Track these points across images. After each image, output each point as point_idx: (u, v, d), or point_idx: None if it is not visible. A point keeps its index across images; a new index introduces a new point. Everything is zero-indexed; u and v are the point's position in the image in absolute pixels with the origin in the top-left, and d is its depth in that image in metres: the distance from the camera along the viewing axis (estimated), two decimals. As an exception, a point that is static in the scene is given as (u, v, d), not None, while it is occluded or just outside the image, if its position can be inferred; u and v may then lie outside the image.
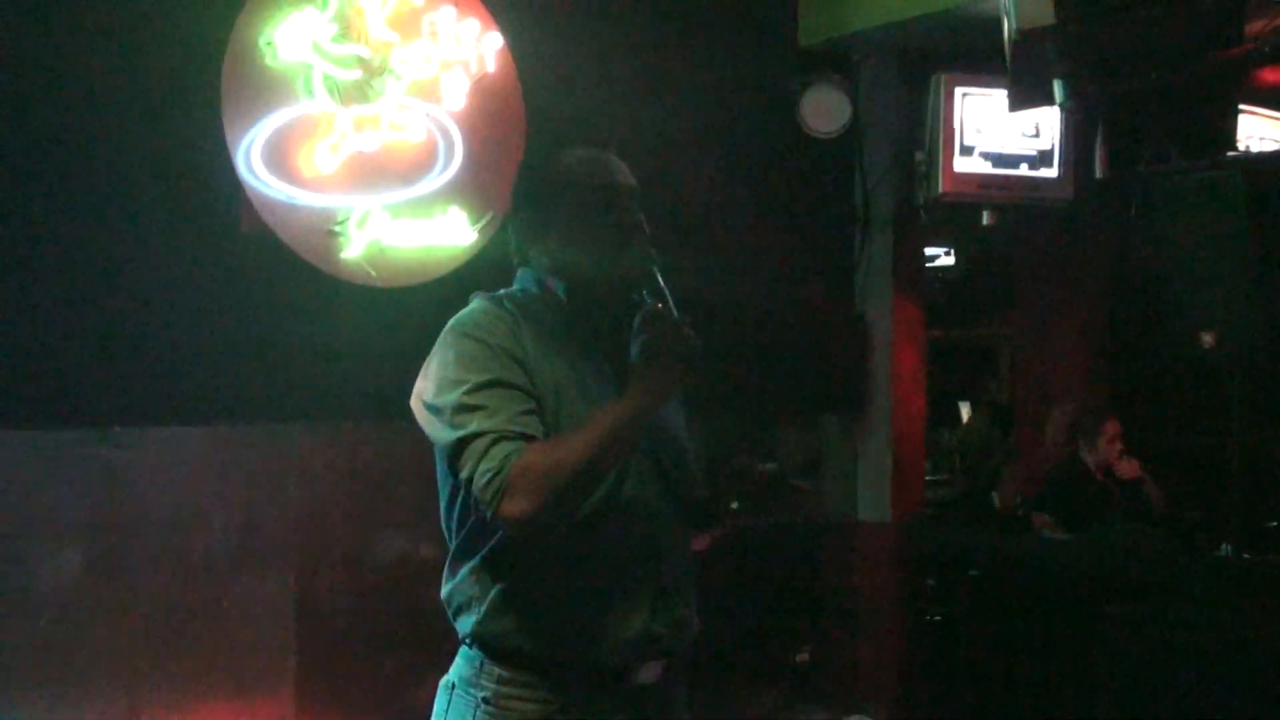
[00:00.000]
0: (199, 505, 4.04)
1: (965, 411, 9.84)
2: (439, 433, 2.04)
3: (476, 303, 2.23)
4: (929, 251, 8.82)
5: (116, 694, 3.86)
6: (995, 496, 6.60)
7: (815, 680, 5.65)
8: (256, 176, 3.97)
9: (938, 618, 5.77)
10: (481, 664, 2.09)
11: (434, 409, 2.06)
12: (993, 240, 8.47)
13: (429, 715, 2.22)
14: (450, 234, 4.33)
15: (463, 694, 2.11)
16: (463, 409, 2.00)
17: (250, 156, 3.95)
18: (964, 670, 5.63)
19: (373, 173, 4.17)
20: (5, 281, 3.67)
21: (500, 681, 2.06)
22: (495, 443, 1.95)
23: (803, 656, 5.58)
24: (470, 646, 2.13)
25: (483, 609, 2.06)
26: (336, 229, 4.10)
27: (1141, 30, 3.00)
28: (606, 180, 2.19)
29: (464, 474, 1.98)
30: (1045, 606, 5.25)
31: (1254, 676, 3.76)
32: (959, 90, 5.30)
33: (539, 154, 2.26)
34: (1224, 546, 4.79)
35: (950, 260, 10.21)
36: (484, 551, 2.08)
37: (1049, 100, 3.05)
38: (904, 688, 5.70)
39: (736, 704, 5.11)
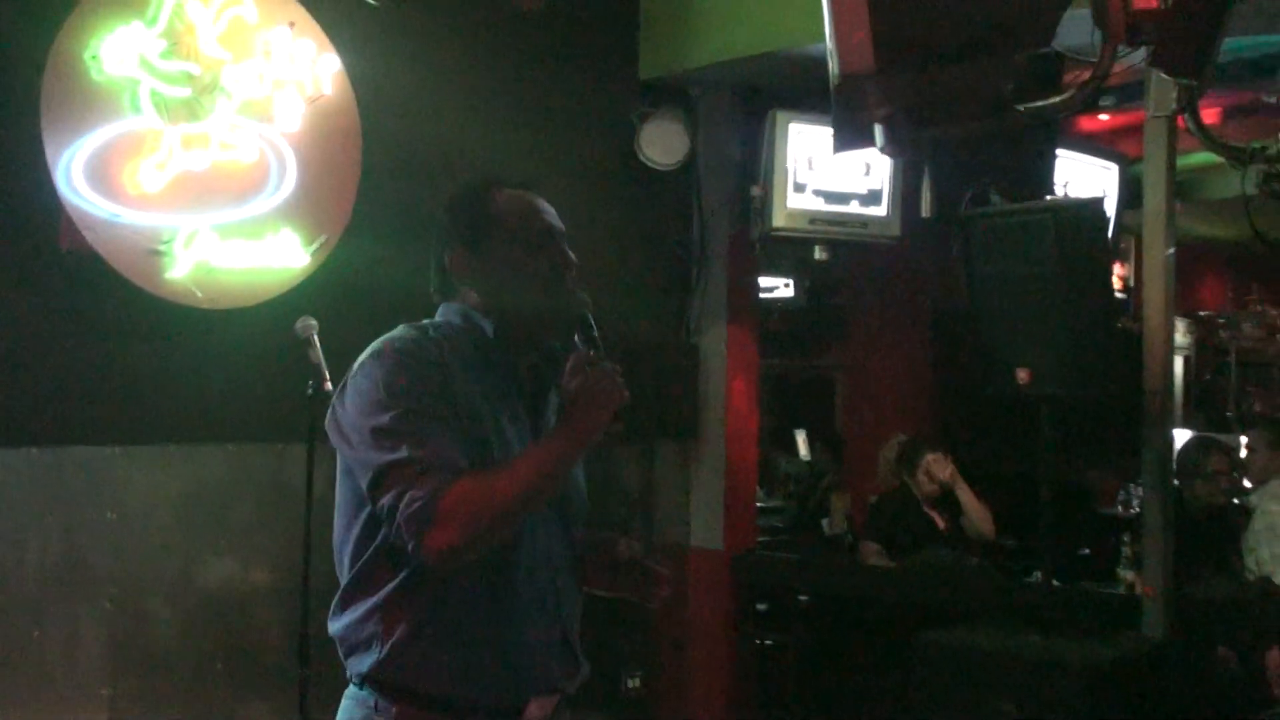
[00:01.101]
0: (9, 532, 3.91)
1: (801, 440, 9.99)
2: (361, 455, 2.00)
3: (402, 329, 2.17)
4: (769, 282, 9.00)
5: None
6: (825, 524, 6.72)
7: (646, 706, 5.68)
8: (78, 193, 3.87)
9: (768, 642, 5.86)
10: (375, 703, 2.04)
11: (357, 430, 2.01)
12: (830, 272, 8.67)
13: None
14: (282, 256, 4.28)
15: None
16: (390, 434, 1.97)
17: (71, 173, 3.86)
18: (793, 693, 5.74)
19: (201, 192, 4.10)
20: None
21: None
22: (424, 471, 1.93)
23: (634, 682, 5.61)
24: (361, 687, 2.08)
25: (385, 648, 2.02)
26: (162, 249, 4.02)
27: (959, 81, 3.11)
28: (541, 222, 2.21)
29: (386, 500, 1.94)
30: (870, 631, 5.39)
31: (1061, 698, 3.90)
32: (793, 127, 5.43)
33: (471, 189, 2.27)
34: (1035, 574, 4.96)
35: (790, 292, 10.40)
36: (387, 589, 2.03)
37: (870, 143, 3.13)
38: (734, 712, 5.78)
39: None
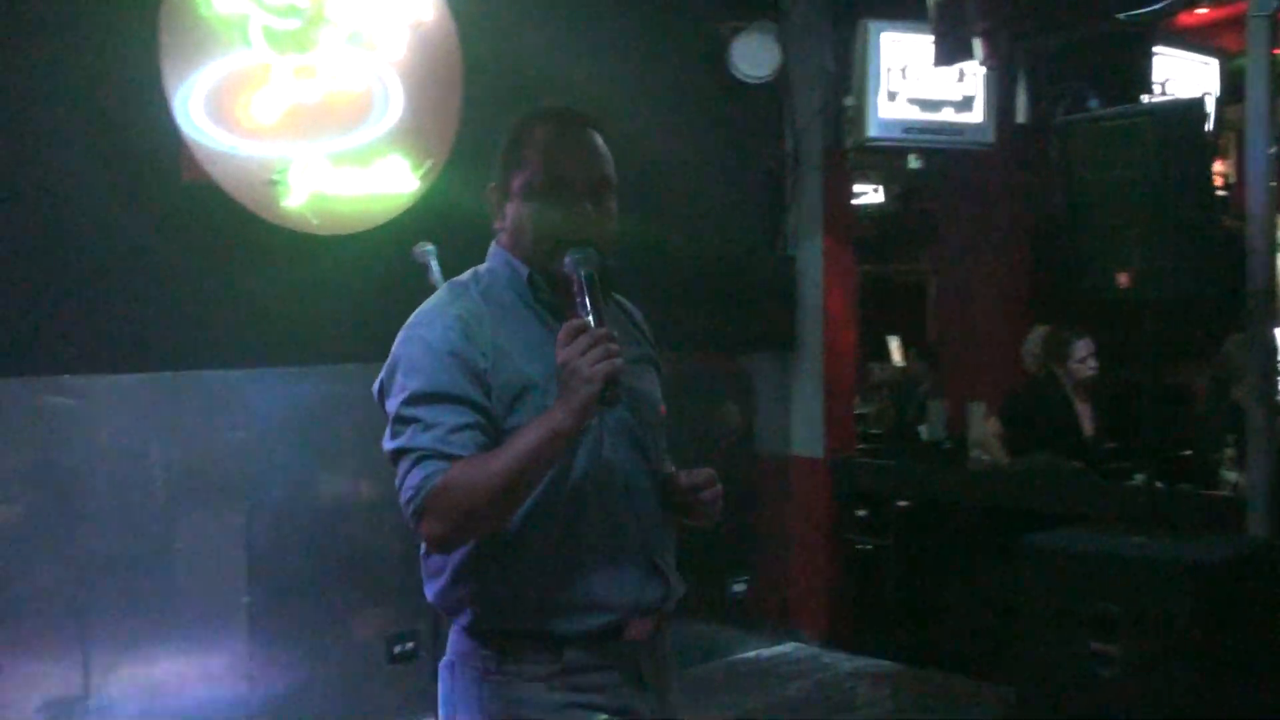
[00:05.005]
0: (146, 451, 4.10)
1: (895, 346, 10.01)
2: (384, 436, 2.04)
3: (440, 293, 2.12)
4: (857, 188, 8.98)
5: (69, 640, 3.94)
6: (923, 430, 6.78)
7: (750, 610, 5.84)
8: (197, 127, 4.01)
9: (868, 547, 5.95)
10: (478, 642, 2.09)
11: (385, 411, 2.05)
12: (920, 178, 8.63)
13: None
14: (391, 181, 4.40)
15: (464, 671, 2.11)
16: (399, 419, 2.00)
17: (190, 107, 3.99)
18: (892, 596, 5.84)
19: (312, 122, 4.22)
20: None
21: (502, 653, 2.07)
22: (419, 461, 1.96)
23: (739, 588, 5.76)
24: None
25: (477, 608, 2.07)
26: (277, 178, 4.15)
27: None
28: (558, 169, 2.07)
29: (397, 483, 1.99)
30: (968, 536, 5.46)
31: (1166, 598, 3.94)
32: (885, 36, 5.40)
33: (519, 119, 2.12)
34: (1137, 476, 4.97)
35: (880, 197, 10.36)
36: (463, 548, 2.05)
37: (969, 56, 3.19)
38: (836, 615, 5.92)
39: (675, 634, 5.27)
